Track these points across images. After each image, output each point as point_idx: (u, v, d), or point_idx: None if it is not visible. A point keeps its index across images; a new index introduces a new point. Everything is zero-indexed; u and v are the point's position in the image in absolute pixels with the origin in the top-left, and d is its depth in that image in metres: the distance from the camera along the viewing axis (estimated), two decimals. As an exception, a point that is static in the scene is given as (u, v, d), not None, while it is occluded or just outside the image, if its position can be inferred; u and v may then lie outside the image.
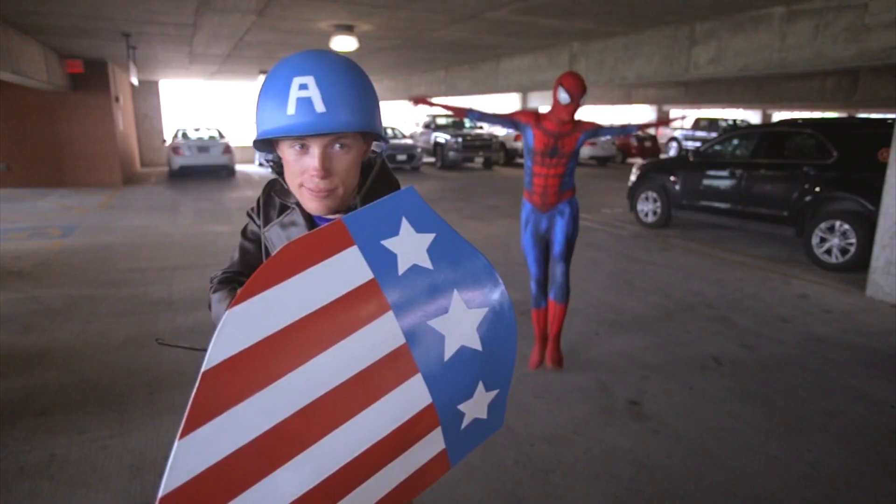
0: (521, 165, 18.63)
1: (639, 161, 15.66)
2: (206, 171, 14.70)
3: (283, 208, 1.14)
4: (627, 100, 19.99)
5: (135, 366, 3.64)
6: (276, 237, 1.12)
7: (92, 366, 3.63)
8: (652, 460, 2.68)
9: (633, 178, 8.83)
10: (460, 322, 0.87)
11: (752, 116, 29.12)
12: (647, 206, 8.50)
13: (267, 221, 1.15)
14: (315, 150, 0.94)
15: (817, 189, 6.35)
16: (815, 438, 2.91)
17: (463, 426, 0.92)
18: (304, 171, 0.96)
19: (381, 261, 0.84)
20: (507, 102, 23.94)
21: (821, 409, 3.21)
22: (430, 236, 0.87)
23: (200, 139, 14.60)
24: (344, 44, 7.79)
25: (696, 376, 3.59)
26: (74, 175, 12.52)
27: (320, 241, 0.80)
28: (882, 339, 4.27)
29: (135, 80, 10.35)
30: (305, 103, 0.91)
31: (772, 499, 2.44)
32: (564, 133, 3.23)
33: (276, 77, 0.93)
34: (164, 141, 17.35)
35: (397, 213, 0.86)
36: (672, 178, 8.12)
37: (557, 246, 3.39)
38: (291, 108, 0.91)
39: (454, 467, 0.85)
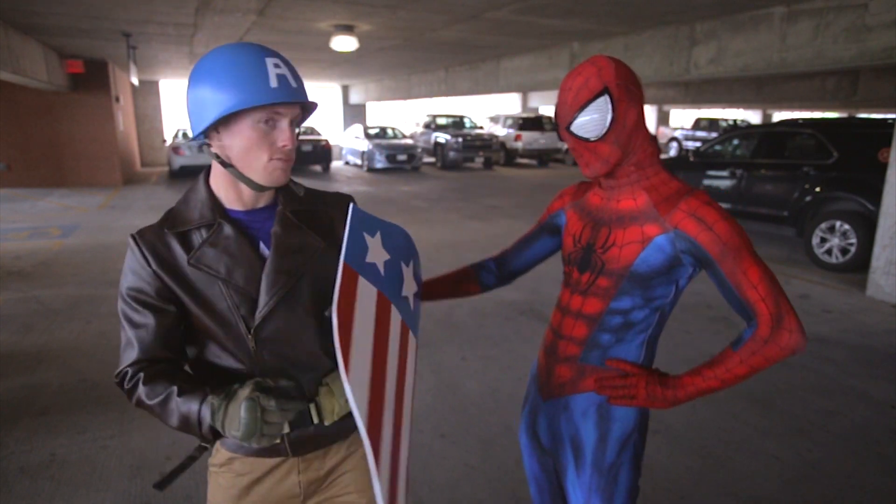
0: (521, 165, 18.65)
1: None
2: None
3: (189, 233, 1.06)
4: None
5: (135, 366, 3.63)
6: (214, 259, 1.05)
7: (92, 366, 3.63)
8: (652, 460, 2.68)
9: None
10: (407, 275, 1.25)
11: (753, 116, 29.14)
12: (648, 206, 8.50)
13: (171, 260, 1.05)
14: (285, 122, 1.04)
15: (817, 189, 6.35)
16: (815, 438, 2.91)
17: (411, 307, 1.26)
18: (273, 143, 1.03)
19: (371, 273, 1.09)
20: (507, 102, 23.96)
21: (821, 409, 3.21)
22: (379, 235, 1.15)
23: (200, 139, 14.60)
24: (344, 44, 7.79)
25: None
26: (74, 175, 12.52)
27: (349, 289, 1.01)
28: (882, 339, 4.27)
29: (135, 80, 10.35)
30: (283, 79, 1.01)
31: (772, 499, 2.44)
32: (610, 216, 1.29)
33: (242, 58, 0.99)
34: (165, 141, 17.35)
35: (360, 231, 1.09)
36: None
37: None
38: (274, 82, 0.99)
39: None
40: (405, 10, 6.37)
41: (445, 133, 17.12)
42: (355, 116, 20.50)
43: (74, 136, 12.32)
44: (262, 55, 1.00)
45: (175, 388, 1.01)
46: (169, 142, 14.98)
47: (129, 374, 1.05)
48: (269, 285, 1.07)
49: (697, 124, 22.80)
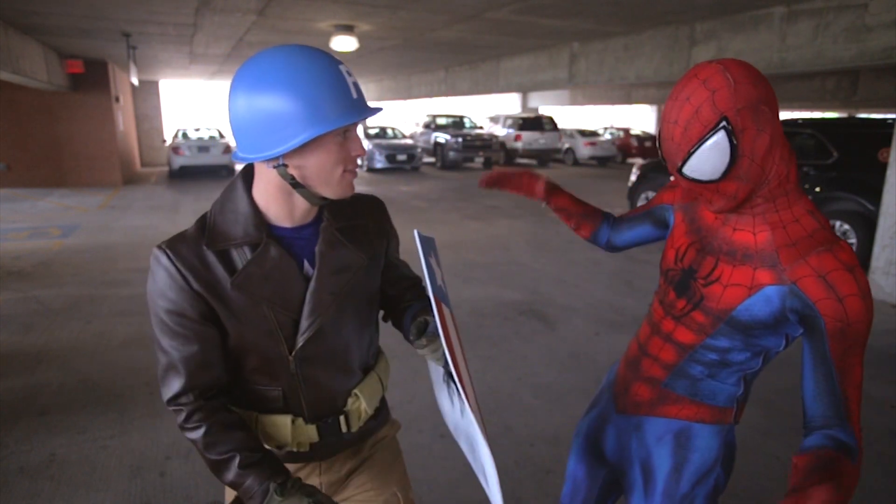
0: (521, 166, 18.65)
1: (639, 161, 15.68)
2: (206, 171, 14.70)
3: (230, 252, 0.99)
4: (627, 100, 20.01)
5: (135, 366, 3.64)
6: (259, 282, 0.99)
7: (92, 366, 3.63)
8: (652, 460, 2.68)
9: (633, 178, 8.84)
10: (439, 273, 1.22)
11: (752, 116, 29.11)
12: (647, 206, 8.49)
13: (212, 280, 0.98)
14: (354, 130, 0.98)
15: (817, 189, 6.35)
16: (815, 438, 2.90)
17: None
18: (347, 156, 0.97)
19: (443, 294, 1.13)
20: (507, 102, 23.97)
21: (821, 409, 3.21)
22: (433, 253, 1.13)
23: (200, 139, 14.61)
24: (344, 44, 7.79)
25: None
26: (74, 175, 12.53)
27: (444, 322, 1.04)
28: (882, 339, 4.27)
29: (135, 80, 10.36)
30: (357, 88, 0.95)
31: (772, 499, 2.44)
32: (721, 244, 1.11)
33: (323, 70, 0.90)
34: (165, 141, 17.36)
35: (428, 259, 1.08)
36: (672, 179, 8.12)
37: None
38: (354, 93, 0.93)
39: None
40: (405, 10, 6.37)
41: (445, 133, 17.12)
42: (355, 116, 20.46)
43: (74, 136, 12.32)
44: (336, 63, 0.93)
45: (237, 457, 0.97)
46: (169, 142, 14.98)
47: (184, 413, 1.00)
48: (313, 307, 1.03)
49: (697, 124, 22.75)
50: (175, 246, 0.98)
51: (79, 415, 3.04)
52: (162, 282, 0.98)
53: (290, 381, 1.06)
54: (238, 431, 1.00)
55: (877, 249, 5.23)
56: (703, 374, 1.15)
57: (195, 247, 0.98)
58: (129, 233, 7.74)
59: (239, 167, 16.97)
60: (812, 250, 0.96)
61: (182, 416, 1.00)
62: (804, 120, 7.07)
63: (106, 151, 12.65)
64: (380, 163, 15.89)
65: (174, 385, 0.99)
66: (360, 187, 12.98)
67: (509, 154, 18.25)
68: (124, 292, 5.13)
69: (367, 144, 16.31)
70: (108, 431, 2.89)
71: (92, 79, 11.97)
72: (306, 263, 1.04)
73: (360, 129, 17.37)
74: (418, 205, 10.42)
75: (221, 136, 15.21)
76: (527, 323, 4.51)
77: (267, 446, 1.10)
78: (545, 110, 23.58)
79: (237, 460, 0.97)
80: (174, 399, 1.00)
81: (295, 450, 1.12)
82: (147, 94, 17.34)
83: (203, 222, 1.01)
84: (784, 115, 27.47)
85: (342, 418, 1.14)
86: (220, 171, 14.98)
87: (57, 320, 4.41)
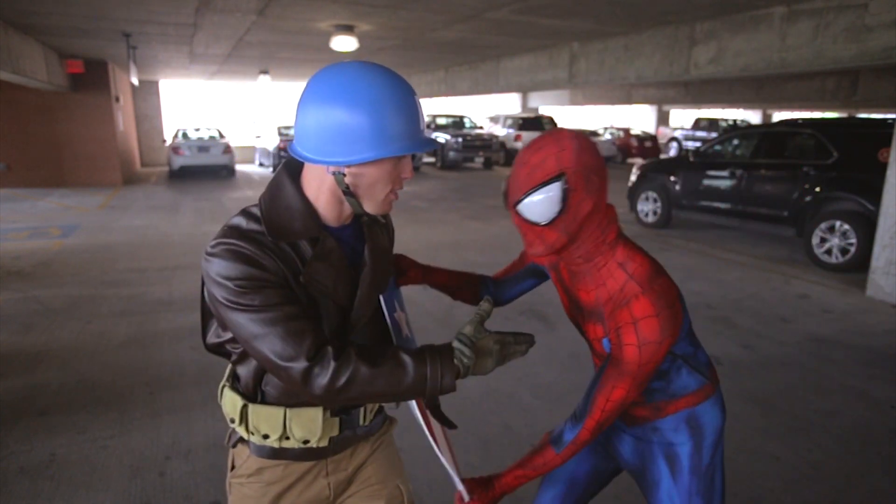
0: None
1: (639, 161, 15.68)
2: (206, 171, 14.70)
3: (298, 245, 1.02)
4: (627, 100, 20.02)
5: (135, 366, 3.64)
6: (324, 274, 1.03)
7: (92, 366, 3.63)
8: (652, 460, 2.68)
9: (633, 178, 8.84)
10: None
11: (752, 116, 29.14)
12: (648, 207, 8.50)
13: (287, 266, 1.00)
14: (408, 162, 1.04)
15: (817, 189, 6.35)
16: (815, 438, 2.91)
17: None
18: (397, 177, 1.03)
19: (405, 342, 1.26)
20: (507, 102, 23.96)
21: (821, 409, 3.21)
22: (397, 307, 1.25)
23: (200, 139, 14.61)
24: (344, 44, 7.79)
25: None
26: (74, 175, 12.53)
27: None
28: (882, 339, 4.27)
29: (135, 80, 10.36)
30: (423, 119, 1.02)
31: (772, 499, 2.44)
32: (578, 303, 1.31)
33: (402, 103, 0.97)
34: (165, 141, 17.36)
35: (392, 314, 1.21)
36: (672, 179, 8.12)
37: None
38: (422, 124, 1.01)
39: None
40: (405, 10, 6.37)
41: (445, 133, 17.12)
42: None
43: (74, 136, 12.32)
44: (413, 94, 0.99)
45: (399, 351, 0.99)
46: (168, 142, 14.98)
47: (332, 365, 0.94)
48: (363, 300, 1.09)
49: (697, 124, 22.80)
50: (240, 232, 0.99)
51: (79, 415, 3.04)
52: (241, 264, 0.95)
53: None
54: (378, 346, 1.02)
55: (877, 249, 5.23)
56: (663, 382, 1.29)
57: (258, 237, 0.99)
58: (128, 233, 7.74)
59: (239, 168, 16.94)
60: (619, 304, 1.13)
61: (330, 368, 0.94)
62: (804, 120, 7.07)
63: (106, 151, 12.65)
64: (380, 163, 15.87)
65: (306, 342, 0.94)
66: (360, 187, 12.98)
67: (509, 154, 18.25)
68: (124, 292, 5.13)
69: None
70: (108, 431, 2.89)
71: (92, 79, 11.97)
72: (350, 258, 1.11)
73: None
74: (418, 205, 10.42)
75: (221, 136, 15.21)
76: (527, 323, 4.51)
77: (284, 445, 1.12)
78: (545, 110, 23.58)
79: (401, 353, 0.98)
80: (314, 358, 0.94)
81: (315, 446, 1.13)
82: (147, 94, 17.34)
83: (254, 216, 1.02)
84: (784, 115, 27.49)
85: (361, 411, 1.19)
86: (220, 171, 14.99)
87: (57, 320, 4.41)
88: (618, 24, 6.83)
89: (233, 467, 1.20)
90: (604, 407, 1.15)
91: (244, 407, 1.11)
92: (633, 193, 8.76)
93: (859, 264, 5.81)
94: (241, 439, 1.16)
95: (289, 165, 1.08)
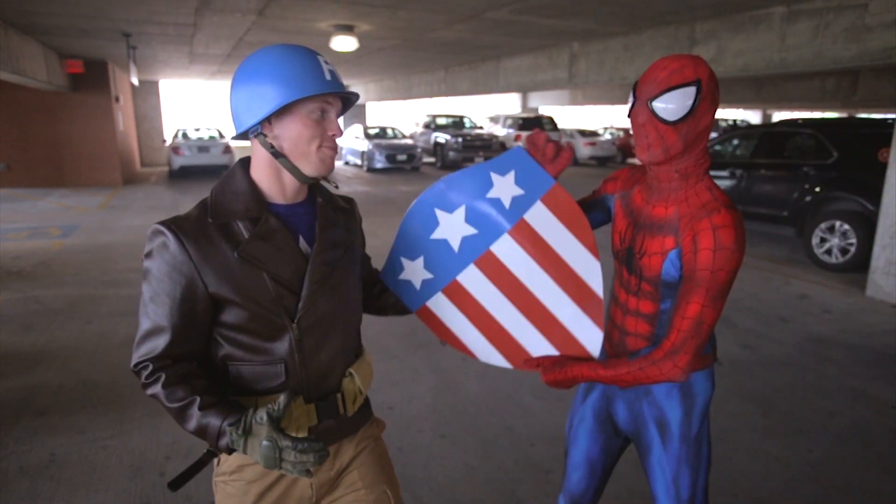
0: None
1: (639, 161, 15.67)
2: (206, 171, 14.70)
3: (233, 225, 1.07)
4: (627, 100, 19.98)
5: (135, 366, 3.63)
6: (261, 252, 1.07)
7: (92, 366, 3.63)
8: (652, 460, 2.68)
9: (633, 178, 8.83)
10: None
11: (752, 116, 29.15)
12: (647, 206, 8.50)
13: (214, 253, 1.04)
14: (333, 113, 1.11)
15: (817, 189, 6.35)
16: (815, 438, 2.91)
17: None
18: (323, 133, 1.09)
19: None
20: (507, 102, 23.96)
21: (821, 409, 3.21)
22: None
23: (200, 139, 14.61)
24: (344, 44, 7.79)
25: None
26: (74, 175, 12.53)
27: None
28: (882, 339, 4.27)
29: (135, 80, 10.36)
30: (333, 73, 1.09)
31: (772, 499, 2.44)
32: (645, 221, 1.33)
33: (297, 55, 1.06)
34: (164, 141, 17.36)
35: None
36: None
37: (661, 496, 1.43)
38: (328, 76, 1.07)
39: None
40: (405, 10, 6.37)
41: (445, 133, 17.12)
42: (355, 116, 20.51)
43: (74, 136, 12.32)
44: (313, 53, 1.08)
45: (197, 399, 1.02)
46: (169, 142, 14.98)
47: (150, 369, 1.04)
48: (312, 275, 1.11)
49: (697, 124, 22.74)
50: (178, 222, 1.05)
51: (79, 415, 3.04)
52: (158, 255, 1.04)
53: (291, 354, 1.11)
54: (198, 380, 1.05)
55: (877, 249, 5.23)
56: (662, 326, 1.35)
57: (197, 222, 1.05)
58: (129, 233, 7.74)
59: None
60: (699, 217, 1.20)
61: (146, 372, 1.03)
62: (804, 120, 7.07)
63: (106, 151, 12.65)
64: (380, 163, 15.89)
65: (150, 348, 1.04)
66: (361, 187, 12.98)
67: (509, 154, 18.21)
68: (124, 292, 5.13)
69: (367, 144, 16.31)
70: (108, 431, 2.89)
71: (92, 79, 11.96)
72: (301, 238, 1.14)
73: (360, 130, 17.38)
74: (418, 205, 10.40)
75: (221, 136, 15.21)
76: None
77: None
78: (545, 110, 23.58)
79: (197, 402, 1.01)
80: (146, 357, 1.04)
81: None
82: (147, 94, 17.34)
83: (204, 203, 1.09)
84: (784, 115, 27.50)
85: (339, 397, 1.19)
86: (220, 171, 14.98)
87: (57, 320, 4.41)
88: (618, 24, 6.83)
89: (217, 465, 1.20)
90: (680, 326, 1.19)
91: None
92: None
93: (859, 264, 5.81)
94: None
95: (244, 158, 1.16)
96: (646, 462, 1.43)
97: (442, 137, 17.02)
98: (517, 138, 17.99)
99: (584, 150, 19.15)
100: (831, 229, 6.12)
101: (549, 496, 2.43)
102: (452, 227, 1.37)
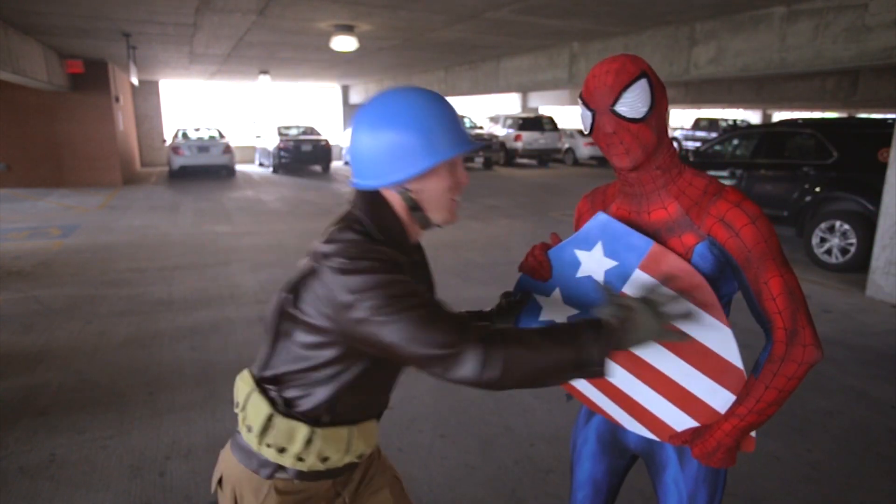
0: (521, 165, 18.64)
1: (639, 161, 15.67)
2: (206, 171, 14.71)
3: (382, 254, 1.02)
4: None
5: (135, 366, 3.64)
6: (416, 278, 1.12)
7: (92, 366, 3.63)
8: (652, 460, 2.68)
9: (633, 178, 8.83)
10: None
11: (752, 116, 29.14)
12: (647, 206, 8.50)
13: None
14: (460, 161, 1.11)
15: (817, 189, 6.35)
16: (815, 438, 2.91)
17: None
18: (457, 184, 1.10)
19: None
20: (507, 102, 23.95)
21: (821, 409, 3.21)
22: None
23: (200, 139, 14.61)
24: (344, 44, 7.79)
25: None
26: (74, 175, 12.53)
27: None
28: (882, 339, 4.27)
29: (135, 80, 10.36)
30: (463, 123, 1.13)
31: (772, 499, 2.44)
32: (644, 232, 1.27)
33: (443, 108, 1.06)
34: (165, 141, 17.36)
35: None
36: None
37: None
38: (464, 127, 1.09)
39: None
40: (405, 10, 6.37)
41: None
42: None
43: (74, 136, 12.32)
44: (450, 104, 1.08)
45: (546, 327, 1.02)
46: (169, 142, 14.98)
47: (482, 345, 0.96)
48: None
49: (697, 124, 22.81)
50: (367, 244, 1.02)
51: (79, 415, 3.04)
52: (387, 274, 0.99)
53: (395, 379, 1.21)
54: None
55: (877, 249, 5.23)
56: None
57: (383, 245, 1.04)
58: (128, 233, 7.74)
59: (239, 168, 16.91)
60: (710, 202, 1.16)
61: (479, 350, 0.95)
62: (804, 120, 7.07)
63: (106, 151, 12.65)
64: (380, 163, 15.87)
65: (451, 324, 0.97)
66: (360, 187, 12.97)
67: (509, 154, 18.25)
68: (124, 292, 5.13)
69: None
70: (108, 431, 2.89)
71: (92, 79, 11.96)
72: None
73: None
74: (418, 205, 10.41)
75: (221, 136, 15.21)
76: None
77: (326, 462, 1.12)
78: (545, 110, 23.57)
79: (557, 331, 1.00)
80: (461, 338, 0.96)
81: (361, 454, 1.18)
82: (147, 94, 17.34)
83: (361, 231, 1.04)
84: (784, 115, 27.48)
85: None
86: (220, 171, 14.99)
87: (57, 320, 4.41)
88: (618, 24, 6.82)
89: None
90: (776, 308, 1.12)
91: (311, 433, 1.08)
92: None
93: (859, 264, 5.81)
94: (278, 468, 1.11)
95: (366, 193, 1.10)
96: (659, 479, 1.36)
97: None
98: (517, 138, 17.99)
99: (584, 150, 19.16)
100: (831, 229, 6.12)
101: (549, 496, 2.43)
102: (555, 309, 1.34)
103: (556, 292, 1.33)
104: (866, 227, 5.76)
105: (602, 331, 0.98)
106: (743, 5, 5.67)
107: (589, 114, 1.20)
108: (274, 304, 1.09)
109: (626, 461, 1.50)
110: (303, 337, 1.04)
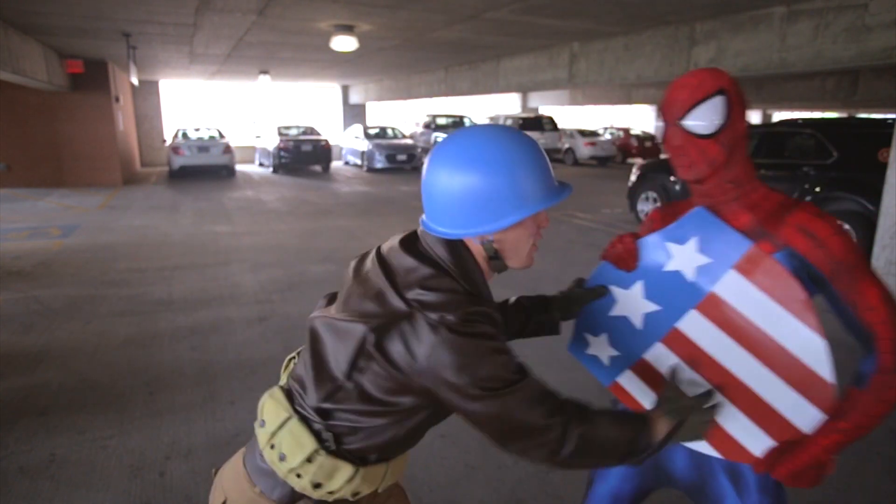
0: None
1: (639, 161, 15.67)
2: (206, 171, 14.71)
3: (491, 317, 0.98)
4: (627, 100, 20.01)
5: (135, 366, 3.64)
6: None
7: (92, 366, 3.63)
8: (652, 460, 2.68)
9: (633, 178, 8.84)
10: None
11: (752, 116, 29.14)
12: (648, 207, 8.50)
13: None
14: (544, 212, 1.04)
15: (817, 189, 6.35)
16: (815, 438, 2.90)
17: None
18: (537, 231, 1.05)
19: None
20: (507, 102, 23.96)
21: (821, 409, 3.21)
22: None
23: (200, 139, 14.61)
24: (344, 44, 7.79)
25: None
26: (74, 175, 12.53)
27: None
28: (882, 339, 4.26)
29: (135, 80, 10.36)
30: (551, 168, 1.03)
31: (772, 499, 2.44)
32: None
33: (535, 155, 0.99)
34: (165, 141, 17.37)
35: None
36: (672, 179, 8.12)
37: None
38: (553, 175, 1.02)
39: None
40: (405, 10, 6.37)
41: (445, 133, 17.12)
42: (355, 116, 20.51)
43: (74, 136, 12.32)
44: (540, 149, 1.01)
45: (606, 413, 1.05)
46: (169, 142, 14.99)
47: (562, 426, 0.98)
48: None
49: (697, 124, 22.73)
50: (479, 309, 0.96)
51: (79, 415, 3.04)
52: (491, 332, 0.96)
53: None
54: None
55: (877, 249, 5.23)
56: None
57: (479, 295, 1.01)
58: (128, 233, 7.74)
59: (239, 168, 16.90)
60: (786, 212, 1.13)
61: (559, 429, 0.98)
62: (804, 120, 7.06)
63: (106, 151, 12.65)
64: (380, 163, 15.89)
65: (551, 408, 1.00)
66: (360, 187, 12.98)
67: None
68: (124, 292, 5.13)
69: (367, 144, 16.30)
70: (108, 431, 2.89)
71: (92, 79, 11.97)
72: None
73: (360, 130, 17.37)
74: (418, 205, 10.35)
75: (221, 136, 15.21)
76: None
77: (356, 496, 1.06)
78: (545, 110, 23.57)
79: (621, 417, 1.04)
80: (556, 413, 0.99)
81: (388, 486, 1.14)
82: (147, 94, 17.34)
83: (454, 287, 0.98)
84: (784, 115, 27.48)
85: None
86: (220, 171, 14.99)
87: (57, 320, 4.41)
88: (618, 24, 6.83)
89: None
90: (877, 318, 1.07)
91: (354, 473, 1.02)
92: (633, 193, 8.76)
93: (859, 264, 5.80)
94: (302, 497, 1.04)
95: (423, 234, 1.06)
96: None
97: (442, 137, 16.99)
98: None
99: (584, 150, 19.15)
100: (831, 229, 6.12)
101: (549, 496, 2.43)
102: (632, 304, 1.29)
103: (637, 286, 1.28)
104: (866, 227, 5.75)
105: (661, 428, 1.03)
106: (743, 5, 5.67)
107: (662, 123, 1.20)
108: (355, 340, 0.97)
109: (655, 485, 1.41)
110: (380, 381, 0.96)
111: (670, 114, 1.17)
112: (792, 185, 6.64)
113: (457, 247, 1.02)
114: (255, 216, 9.19)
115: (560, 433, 0.97)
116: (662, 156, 20.48)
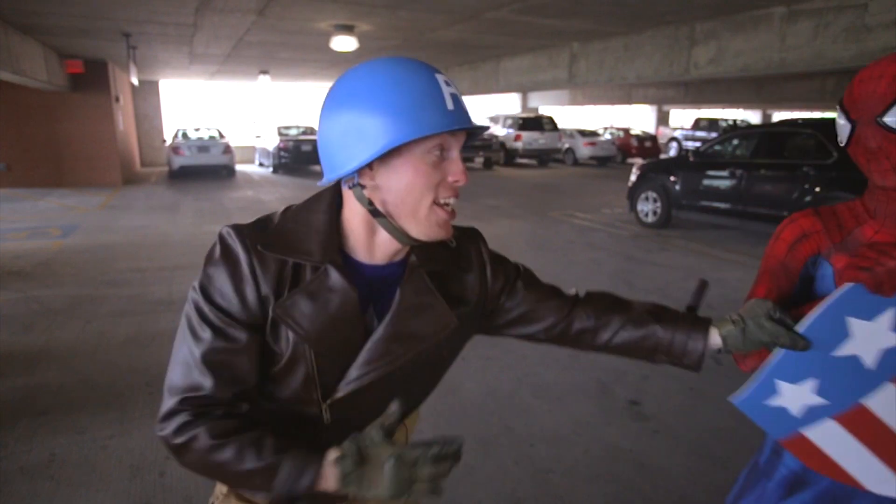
0: (521, 165, 18.65)
1: (639, 161, 15.68)
2: (206, 171, 14.71)
3: (296, 270, 0.83)
4: (627, 100, 20.04)
5: (135, 366, 3.64)
6: (305, 313, 0.81)
7: (92, 366, 3.63)
8: (652, 460, 2.68)
9: (633, 178, 8.84)
10: None
11: (752, 116, 29.15)
12: (647, 206, 8.50)
13: (279, 287, 0.81)
14: (455, 151, 0.82)
15: (817, 189, 6.35)
16: (815, 438, 2.90)
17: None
18: (441, 180, 0.81)
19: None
20: (507, 102, 23.96)
21: (821, 409, 3.21)
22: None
23: (200, 139, 14.62)
24: (344, 44, 7.80)
25: (696, 376, 3.58)
26: (74, 175, 12.53)
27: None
28: (882, 339, 4.26)
29: (135, 80, 10.37)
30: (456, 100, 0.80)
31: (772, 499, 2.44)
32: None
33: (412, 76, 0.78)
34: (164, 141, 17.37)
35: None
36: (672, 178, 8.13)
37: None
38: (450, 104, 0.79)
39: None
40: (405, 10, 6.37)
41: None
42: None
43: (74, 136, 12.33)
44: (431, 71, 0.80)
45: (269, 438, 0.78)
46: (169, 142, 15.00)
47: (183, 421, 0.78)
48: (371, 356, 0.86)
49: (697, 124, 22.80)
50: (255, 234, 0.83)
51: (79, 415, 3.04)
52: (225, 269, 0.81)
53: (318, 431, 0.89)
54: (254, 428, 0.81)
55: (877, 249, 5.23)
56: None
57: (278, 245, 0.84)
58: (129, 233, 7.74)
59: (239, 167, 16.92)
60: None
61: (177, 428, 0.79)
62: (804, 120, 7.07)
63: (106, 151, 12.66)
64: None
65: (189, 385, 0.79)
66: (360, 187, 12.98)
67: (509, 154, 18.26)
68: (124, 292, 5.13)
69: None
70: (108, 431, 2.89)
71: (92, 79, 11.97)
72: (372, 307, 0.88)
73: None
74: (418, 205, 10.40)
75: (221, 135, 15.22)
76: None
77: None
78: (545, 110, 23.58)
79: (266, 435, 0.79)
80: (172, 409, 0.80)
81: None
82: (147, 94, 17.34)
83: (265, 222, 0.86)
84: (784, 115, 27.50)
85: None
86: (220, 171, 14.99)
87: (57, 320, 4.41)
88: (618, 24, 6.83)
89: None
90: None
91: None
92: (633, 193, 8.76)
93: (859, 264, 5.81)
94: None
95: (335, 190, 0.90)
96: None
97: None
98: (517, 138, 18.00)
99: (584, 150, 19.16)
100: (831, 229, 6.12)
101: (550, 496, 2.43)
102: (873, 339, 1.00)
103: (888, 315, 0.96)
104: (866, 227, 5.75)
105: (317, 466, 0.76)
106: (743, 5, 5.67)
107: (848, 124, 1.02)
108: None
109: None
110: None
111: (862, 111, 0.99)
112: (792, 185, 6.64)
113: (325, 194, 0.88)
114: (255, 216, 9.12)
115: (173, 431, 0.79)
116: (662, 156, 20.51)
